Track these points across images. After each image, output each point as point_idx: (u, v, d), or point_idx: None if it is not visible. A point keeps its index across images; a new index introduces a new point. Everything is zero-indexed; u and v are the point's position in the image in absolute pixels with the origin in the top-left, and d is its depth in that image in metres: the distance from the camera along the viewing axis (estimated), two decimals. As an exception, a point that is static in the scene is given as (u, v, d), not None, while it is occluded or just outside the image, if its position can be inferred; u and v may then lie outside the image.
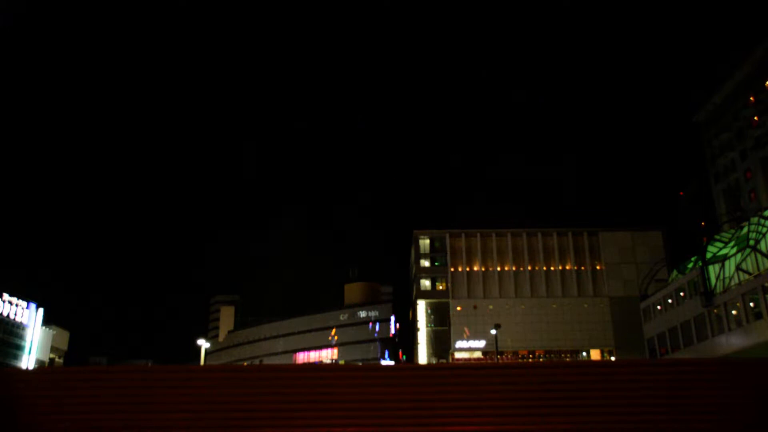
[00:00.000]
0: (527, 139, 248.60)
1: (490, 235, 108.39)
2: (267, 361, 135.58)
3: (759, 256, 54.46)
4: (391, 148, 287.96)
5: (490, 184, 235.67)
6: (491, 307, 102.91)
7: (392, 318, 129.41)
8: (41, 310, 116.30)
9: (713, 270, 60.83)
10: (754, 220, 58.19)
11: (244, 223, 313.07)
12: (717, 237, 65.66)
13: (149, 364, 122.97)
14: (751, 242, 56.06)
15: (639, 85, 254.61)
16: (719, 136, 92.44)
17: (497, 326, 68.55)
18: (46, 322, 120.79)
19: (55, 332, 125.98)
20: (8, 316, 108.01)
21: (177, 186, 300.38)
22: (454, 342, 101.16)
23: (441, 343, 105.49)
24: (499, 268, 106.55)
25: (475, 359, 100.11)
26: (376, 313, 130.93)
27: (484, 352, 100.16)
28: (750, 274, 55.37)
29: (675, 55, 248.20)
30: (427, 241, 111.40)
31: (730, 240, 62.31)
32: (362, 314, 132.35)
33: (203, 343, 70.61)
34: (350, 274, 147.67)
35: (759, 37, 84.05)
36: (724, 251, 61.68)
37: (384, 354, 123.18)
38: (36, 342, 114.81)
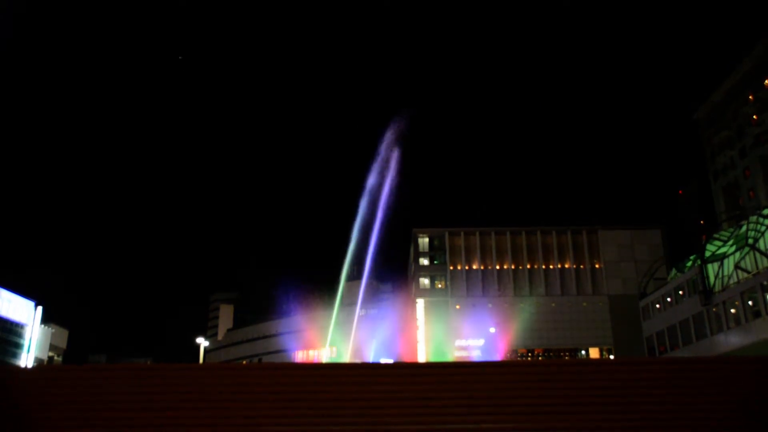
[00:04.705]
0: (526, 137, 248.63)
1: (489, 233, 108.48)
2: (266, 359, 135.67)
3: (758, 254, 54.55)
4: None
5: (490, 183, 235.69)
6: (490, 305, 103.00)
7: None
8: (40, 308, 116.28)
9: (712, 268, 60.92)
10: (753, 218, 58.26)
11: (243, 220, 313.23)
12: (716, 235, 65.74)
13: (148, 363, 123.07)
14: (750, 241, 56.14)
15: (638, 82, 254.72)
16: (719, 134, 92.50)
17: (496, 324, 68.70)
18: (45, 320, 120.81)
19: (54, 330, 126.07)
20: (7, 314, 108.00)
21: (176, 184, 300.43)
22: (453, 340, 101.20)
23: (440, 342, 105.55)
24: (498, 267, 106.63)
25: (473, 358, 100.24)
26: (375, 312, 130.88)
27: (483, 350, 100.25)
28: (749, 272, 55.47)
29: (675, 52, 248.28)
30: (426, 240, 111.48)
31: (729, 238, 62.39)
32: (361, 312, 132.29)
33: (202, 342, 70.69)
34: (349, 272, 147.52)
35: (758, 35, 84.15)
36: (723, 250, 61.77)
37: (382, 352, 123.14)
38: (35, 340, 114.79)
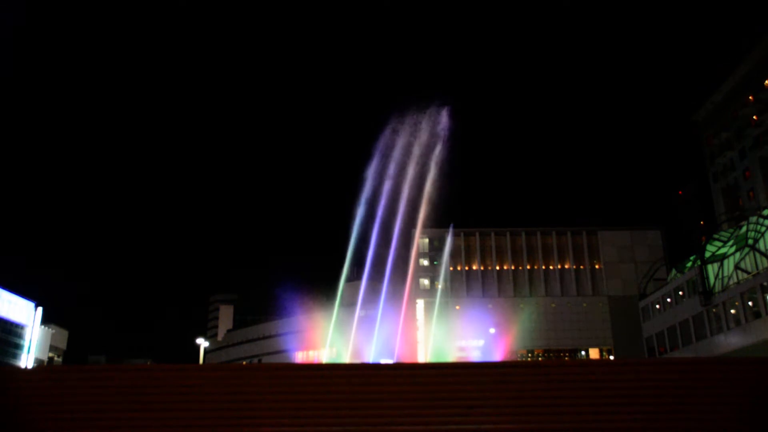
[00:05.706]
0: (526, 138, 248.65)
1: (489, 234, 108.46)
2: (266, 359, 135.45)
3: (758, 255, 54.49)
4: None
5: (490, 183, 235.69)
6: (490, 306, 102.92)
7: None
8: (40, 308, 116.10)
9: (712, 269, 60.86)
10: (753, 219, 58.20)
11: (243, 221, 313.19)
12: (716, 236, 65.69)
13: (148, 363, 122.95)
14: (750, 241, 56.08)
15: (638, 83, 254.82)
16: (718, 135, 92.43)
17: (496, 325, 68.73)
18: (45, 321, 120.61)
19: (54, 331, 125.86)
20: (7, 315, 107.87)
21: (176, 185, 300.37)
22: (453, 341, 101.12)
23: (440, 343, 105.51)
24: (498, 268, 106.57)
25: (473, 359, 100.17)
26: (375, 312, 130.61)
27: (483, 351, 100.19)
28: (749, 273, 55.39)
29: (674, 54, 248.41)
30: (426, 241, 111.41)
31: (728, 239, 62.34)
32: (361, 313, 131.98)
33: (202, 342, 70.66)
34: (349, 273, 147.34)
35: (758, 36, 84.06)
36: (722, 250, 61.71)
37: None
38: (35, 341, 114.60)
